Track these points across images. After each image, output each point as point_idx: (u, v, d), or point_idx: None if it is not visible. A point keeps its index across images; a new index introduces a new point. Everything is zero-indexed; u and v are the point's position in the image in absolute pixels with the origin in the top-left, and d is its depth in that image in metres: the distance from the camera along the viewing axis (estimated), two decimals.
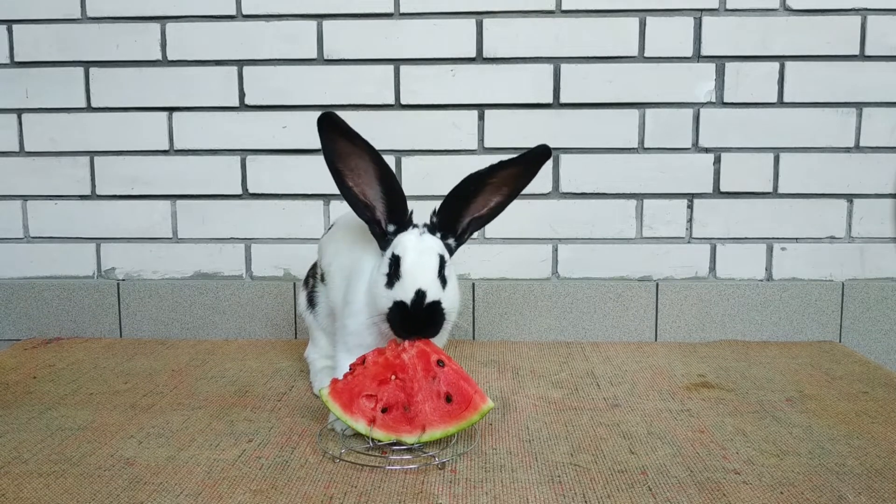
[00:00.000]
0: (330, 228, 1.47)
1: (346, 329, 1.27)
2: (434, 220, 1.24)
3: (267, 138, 1.81)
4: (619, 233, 1.81)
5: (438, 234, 1.23)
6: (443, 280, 1.17)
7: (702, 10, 1.73)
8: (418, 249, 1.17)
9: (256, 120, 1.80)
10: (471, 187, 1.22)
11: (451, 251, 1.24)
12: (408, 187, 1.76)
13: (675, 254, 1.81)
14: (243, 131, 1.81)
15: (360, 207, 1.23)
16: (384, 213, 1.23)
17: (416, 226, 1.23)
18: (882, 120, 1.76)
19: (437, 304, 1.15)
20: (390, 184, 1.21)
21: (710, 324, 1.81)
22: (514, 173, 1.23)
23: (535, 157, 1.23)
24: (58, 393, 1.43)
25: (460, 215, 1.24)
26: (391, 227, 1.23)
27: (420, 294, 1.14)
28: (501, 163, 1.21)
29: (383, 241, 1.23)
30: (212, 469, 1.09)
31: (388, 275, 1.17)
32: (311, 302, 1.47)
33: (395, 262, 1.17)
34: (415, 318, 1.14)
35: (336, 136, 1.19)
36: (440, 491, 1.03)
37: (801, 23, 1.73)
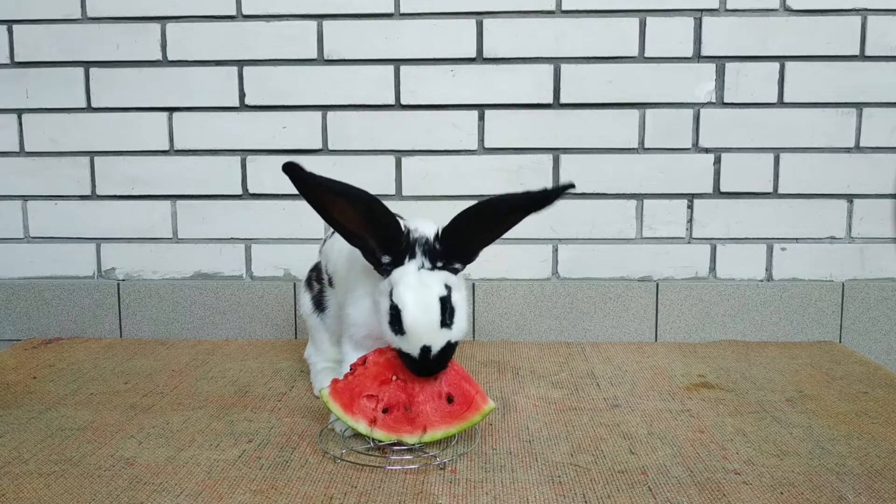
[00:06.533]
0: (334, 233, 1.46)
1: (348, 318, 1.25)
2: (437, 246, 1.14)
3: (267, 138, 1.80)
4: (620, 233, 1.81)
5: (441, 263, 1.14)
6: (450, 312, 1.12)
7: (702, 10, 1.73)
8: (417, 300, 1.10)
9: (256, 120, 1.80)
10: (470, 225, 1.13)
11: (459, 270, 1.17)
12: (408, 187, 1.78)
13: (675, 254, 1.81)
14: (243, 131, 1.80)
15: (351, 238, 1.16)
16: (377, 244, 1.14)
17: (414, 256, 1.14)
18: (882, 120, 1.76)
19: (444, 349, 1.12)
20: (377, 218, 1.12)
21: (710, 324, 1.81)
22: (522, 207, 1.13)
23: (538, 199, 1.11)
24: (58, 393, 1.43)
25: (466, 241, 1.15)
26: (386, 259, 1.14)
27: (425, 350, 1.11)
28: (506, 202, 1.12)
29: (380, 269, 1.16)
30: (212, 469, 1.09)
31: (392, 315, 1.12)
32: (319, 305, 1.45)
33: (396, 312, 1.11)
34: (423, 370, 1.13)
35: (304, 185, 1.11)
36: (440, 491, 1.03)
37: (801, 23, 1.73)
